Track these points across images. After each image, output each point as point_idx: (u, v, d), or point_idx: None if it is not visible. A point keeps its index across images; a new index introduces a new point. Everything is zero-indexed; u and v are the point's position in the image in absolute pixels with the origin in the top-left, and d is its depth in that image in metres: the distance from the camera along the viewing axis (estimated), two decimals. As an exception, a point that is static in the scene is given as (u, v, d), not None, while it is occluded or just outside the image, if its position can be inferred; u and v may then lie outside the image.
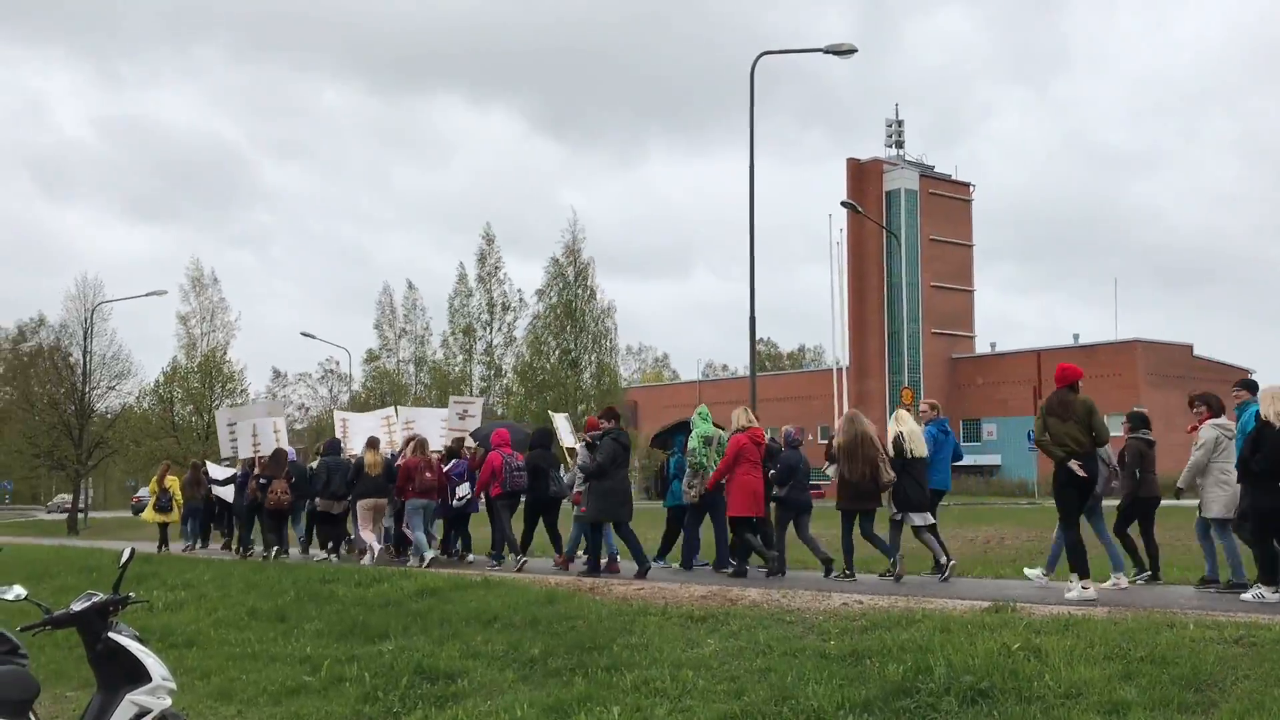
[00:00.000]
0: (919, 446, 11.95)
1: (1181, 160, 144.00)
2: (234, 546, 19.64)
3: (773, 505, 13.00)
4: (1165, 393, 58.91)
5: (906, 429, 12.00)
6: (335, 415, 23.02)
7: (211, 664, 10.03)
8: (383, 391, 67.33)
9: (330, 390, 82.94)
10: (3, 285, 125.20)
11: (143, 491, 22.05)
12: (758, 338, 25.27)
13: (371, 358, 69.88)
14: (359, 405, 66.46)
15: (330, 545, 17.01)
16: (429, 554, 15.03)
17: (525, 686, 8.13)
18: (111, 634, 5.35)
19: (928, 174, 74.55)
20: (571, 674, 8.18)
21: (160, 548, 21.13)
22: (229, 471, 20.65)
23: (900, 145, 75.87)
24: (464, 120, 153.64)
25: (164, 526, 21.62)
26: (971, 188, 77.52)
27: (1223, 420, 10.44)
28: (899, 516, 12.06)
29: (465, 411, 18.86)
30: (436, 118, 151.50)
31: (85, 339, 49.37)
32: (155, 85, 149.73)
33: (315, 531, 18.02)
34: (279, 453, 18.04)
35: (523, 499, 14.90)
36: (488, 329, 62.52)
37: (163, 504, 21.53)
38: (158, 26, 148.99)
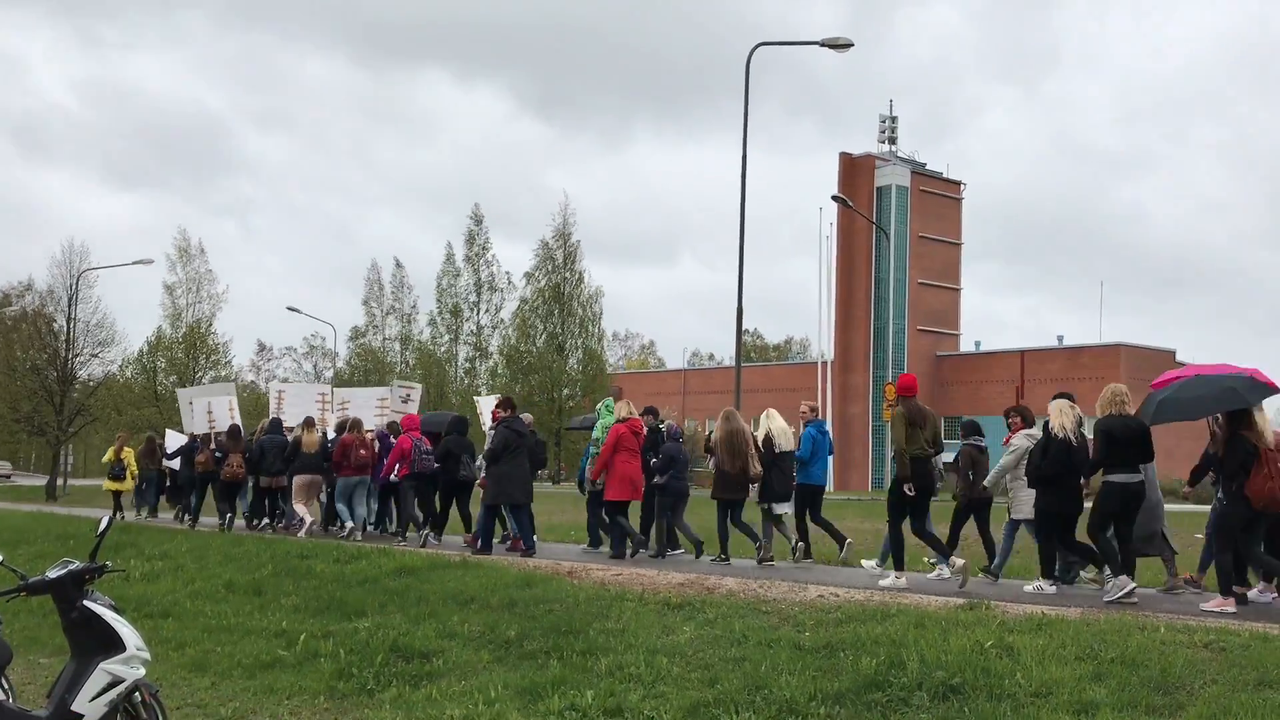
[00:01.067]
0: (786, 442, 12.85)
1: (1168, 164, 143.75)
2: (182, 516, 20.28)
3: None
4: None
5: (775, 426, 12.85)
6: (271, 387, 23.64)
7: (187, 635, 10.03)
8: (367, 369, 67.16)
9: (315, 366, 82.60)
10: None
11: (174, 439, 22.54)
12: (744, 328, 25.27)
13: (357, 335, 69.73)
14: (342, 382, 66.28)
15: (266, 519, 18.18)
16: (350, 525, 15.92)
17: (500, 668, 8.15)
18: (87, 602, 5.34)
19: (919, 171, 74.57)
20: (547, 657, 8.20)
21: (115, 514, 20.96)
22: (182, 440, 21.44)
23: (893, 141, 75.89)
24: (450, 97, 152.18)
25: (118, 494, 22.32)
26: (962, 186, 77.60)
27: (1034, 430, 10.99)
28: (765, 506, 12.94)
29: (408, 396, 19.88)
30: (422, 93, 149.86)
31: (70, 305, 49.07)
32: (137, 49, 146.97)
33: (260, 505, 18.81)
34: (234, 428, 18.83)
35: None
36: (475, 310, 62.47)
37: (116, 473, 22.40)
38: None
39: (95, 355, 52.50)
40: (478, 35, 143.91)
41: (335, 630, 9.53)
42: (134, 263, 45.84)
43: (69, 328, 49.47)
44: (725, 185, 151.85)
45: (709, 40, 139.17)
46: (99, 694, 5.22)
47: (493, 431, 14.32)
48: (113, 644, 5.32)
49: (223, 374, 58.51)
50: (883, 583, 10.51)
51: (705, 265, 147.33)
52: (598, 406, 13.98)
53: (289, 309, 55.76)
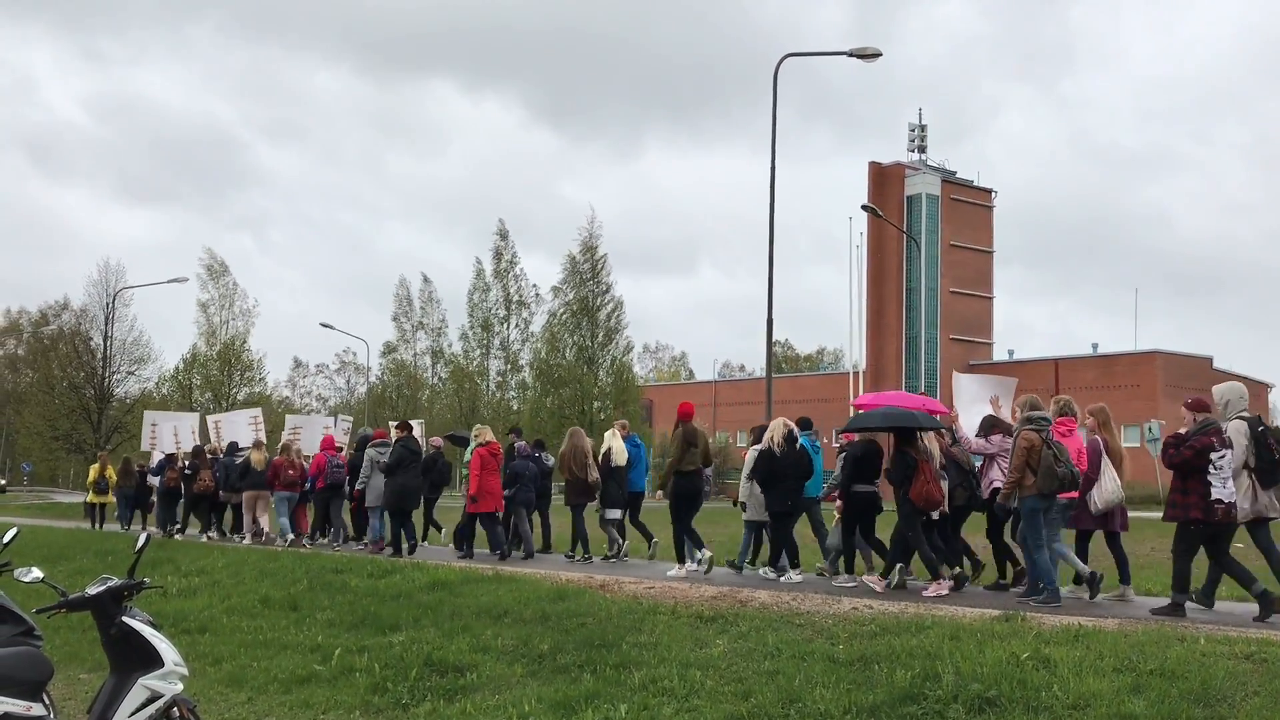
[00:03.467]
0: (620, 458, 14.79)
1: (1192, 164, 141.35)
2: (167, 527, 22.04)
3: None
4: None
5: (614, 445, 14.87)
6: (209, 419, 27.28)
7: (223, 650, 10.11)
8: (399, 384, 67.55)
9: (348, 381, 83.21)
10: (3, 266, 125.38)
11: (158, 457, 24.56)
12: (774, 339, 25.22)
13: (389, 350, 70.14)
14: (376, 397, 66.71)
15: (222, 527, 20.61)
16: (289, 537, 18.08)
17: (534, 682, 8.16)
18: (125, 618, 5.40)
19: (950, 179, 74.26)
20: (580, 671, 8.20)
21: (94, 525, 25.40)
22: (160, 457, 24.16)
23: (923, 150, 75.58)
24: (459, 107, 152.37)
25: (101, 506, 25.60)
26: (993, 194, 77.21)
27: (761, 444, 12.64)
28: (600, 510, 15.08)
29: (349, 428, 24.45)
30: (431, 104, 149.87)
31: (106, 324, 49.66)
32: (142, 64, 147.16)
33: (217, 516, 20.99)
34: (198, 448, 21.78)
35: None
36: (504, 324, 62.72)
37: (101, 488, 25.49)
38: (143, 2, 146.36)
39: (131, 373, 53.19)
40: (483, 46, 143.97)
41: (370, 645, 9.57)
42: (169, 281, 46.41)
43: (106, 346, 50.07)
44: (740, 192, 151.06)
45: (717, 45, 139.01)
46: (138, 709, 5.27)
47: (373, 449, 16.90)
48: (151, 659, 5.37)
49: (257, 390, 59.07)
50: (670, 573, 12.59)
51: (725, 274, 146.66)
52: (471, 434, 15.97)
53: (322, 325, 56.34)
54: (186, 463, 21.23)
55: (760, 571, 12.66)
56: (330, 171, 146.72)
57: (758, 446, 12.60)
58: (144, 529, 20.54)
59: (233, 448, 20.86)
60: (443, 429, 36.08)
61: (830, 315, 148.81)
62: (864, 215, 49.80)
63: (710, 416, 74.17)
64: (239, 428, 23.68)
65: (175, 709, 5.50)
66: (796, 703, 6.93)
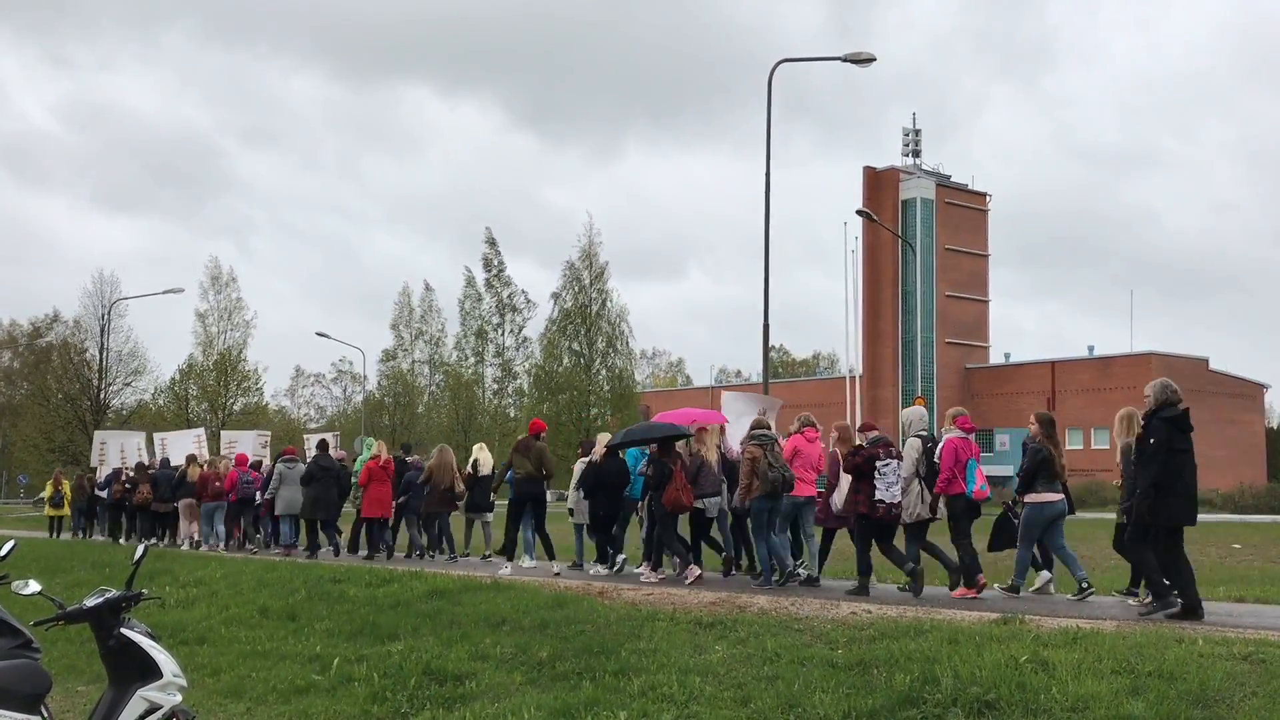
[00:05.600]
0: (485, 469, 16.76)
1: (1177, 162, 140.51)
2: (116, 536, 24.35)
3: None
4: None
5: (482, 457, 16.93)
6: (155, 437, 29.59)
7: (222, 661, 10.10)
8: (397, 392, 67.47)
9: (345, 390, 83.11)
10: None
11: (105, 473, 27.15)
12: (770, 344, 25.24)
13: (388, 357, 70.03)
14: (374, 406, 66.63)
15: (160, 535, 22.45)
16: (220, 543, 20.12)
17: (533, 689, 8.16)
18: (124, 630, 5.40)
19: (944, 183, 74.41)
20: (579, 678, 8.20)
21: (52, 534, 27.01)
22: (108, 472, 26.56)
23: (917, 155, 75.72)
24: (438, 111, 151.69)
25: (58, 519, 27.59)
26: (988, 198, 77.37)
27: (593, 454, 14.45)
28: (469, 515, 17.14)
29: (265, 441, 27.09)
30: (409, 108, 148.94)
31: (102, 335, 49.59)
32: (112, 70, 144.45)
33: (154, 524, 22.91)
34: (140, 464, 24.39)
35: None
36: (498, 330, 62.73)
37: (56, 502, 27.65)
38: (111, 7, 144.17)
39: (128, 384, 53.13)
40: (464, 48, 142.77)
41: (369, 654, 9.56)
42: (165, 291, 46.38)
43: (101, 357, 50.00)
44: (724, 194, 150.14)
45: (694, 44, 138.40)
46: (137, 721, 5.27)
47: (280, 462, 19.08)
48: (150, 671, 5.37)
49: (254, 400, 58.99)
50: (501, 571, 14.22)
51: (713, 278, 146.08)
52: (362, 444, 18.28)
53: (319, 334, 56.21)
54: (127, 477, 23.64)
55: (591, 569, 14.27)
56: (309, 178, 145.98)
57: (584, 459, 14.45)
58: (94, 537, 24.19)
59: (165, 463, 23.38)
60: (441, 438, 36.27)
61: (822, 319, 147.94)
62: (858, 220, 49.72)
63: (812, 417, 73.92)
64: (185, 444, 25.87)
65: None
66: (796, 708, 6.93)
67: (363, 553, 17.78)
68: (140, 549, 5.95)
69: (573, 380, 54.20)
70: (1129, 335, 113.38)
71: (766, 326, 23.70)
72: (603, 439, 14.25)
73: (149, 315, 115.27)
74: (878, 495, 11.19)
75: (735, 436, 13.74)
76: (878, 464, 11.19)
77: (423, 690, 8.37)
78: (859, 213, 43.05)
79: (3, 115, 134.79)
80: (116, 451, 27.63)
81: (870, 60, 24.45)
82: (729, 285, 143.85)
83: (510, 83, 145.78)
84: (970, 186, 76.62)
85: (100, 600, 5.41)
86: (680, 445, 13.29)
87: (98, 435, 31.43)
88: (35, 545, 22.15)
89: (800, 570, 12.54)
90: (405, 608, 11.34)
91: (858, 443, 11.78)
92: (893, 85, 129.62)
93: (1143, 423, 9.55)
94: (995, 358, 76.87)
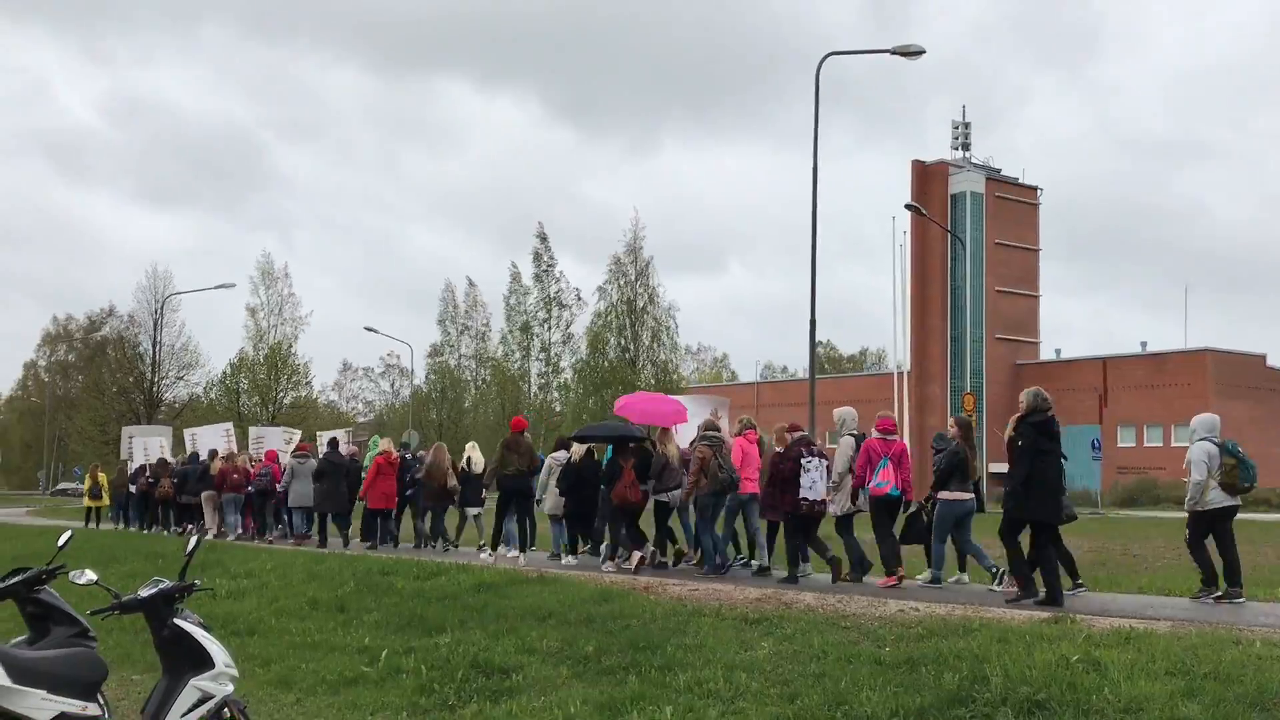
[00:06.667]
0: (478, 467, 17.41)
1: (1227, 153, 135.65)
2: (142, 527, 26.33)
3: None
4: (1236, 404, 57.41)
5: (474, 455, 17.65)
6: (186, 432, 31.76)
7: (272, 652, 10.20)
8: (444, 386, 67.88)
9: (393, 385, 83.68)
10: (33, 269, 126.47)
11: (132, 467, 28.64)
12: (816, 340, 25.09)
13: (435, 353, 70.45)
14: (421, 400, 67.14)
15: (187, 525, 23.55)
16: (234, 534, 21.34)
17: (579, 683, 8.17)
18: (177, 620, 5.47)
19: (994, 177, 73.53)
20: (625, 672, 8.21)
21: (87, 524, 27.76)
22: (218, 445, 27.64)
23: (966, 148, 74.86)
24: (475, 105, 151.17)
25: (95, 510, 28.94)
26: (1039, 191, 76.37)
27: (559, 454, 15.74)
28: (462, 509, 17.94)
29: (291, 438, 28.08)
30: (446, 102, 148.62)
31: (155, 330, 50.35)
32: (151, 65, 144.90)
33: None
34: (161, 460, 26.55)
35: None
36: (544, 326, 62.85)
37: (94, 493, 29.22)
38: (148, 1, 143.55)
39: (180, 378, 53.92)
40: (501, 42, 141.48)
41: (417, 646, 9.62)
42: (217, 287, 47.03)
43: (155, 352, 50.78)
44: (763, 187, 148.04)
45: (730, 34, 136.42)
46: (190, 710, 5.34)
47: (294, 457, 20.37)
48: (202, 661, 5.44)
49: (303, 394, 59.61)
50: (483, 556, 15.53)
51: (754, 272, 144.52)
52: (369, 441, 19.42)
53: (367, 329, 56.68)
54: (150, 472, 25.62)
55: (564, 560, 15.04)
56: (348, 172, 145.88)
57: (559, 457, 15.43)
58: (129, 527, 26.26)
59: (194, 458, 24.67)
60: (487, 432, 36.55)
61: (865, 314, 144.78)
62: (906, 214, 49.34)
63: (754, 418, 73.72)
64: (214, 439, 27.75)
65: (226, 710, 5.56)
66: (843, 705, 6.89)
67: (367, 543, 18.71)
68: (193, 541, 6.03)
69: (618, 375, 54.25)
70: (1182, 331, 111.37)
71: (813, 322, 23.58)
72: (579, 449, 15.15)
73: (198, 310, 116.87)
74: (802, 493, 11.91)
75: (685, 437, 14.50)
76: (803, 462, 11.93)
77: (470, 683, 8.41)
78: (908, 207, 42.74)
79: (47, 111, 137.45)
80: (140, 448, 29.69)
81: (919, 53, 24.25)
82: (771, 280, 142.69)
83: (546, 76, 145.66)
84: (1020, 180, 75.65)
85: (155, 590, 5.48)
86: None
87: (125, 431, 33.72)
88: (90, 536, 22.57)
89: (753, 562, 13.71)
90: (452, 600, 11.41)
91: (785, 443, 12.55)
92: (932, 75, 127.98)
93: (1014, 428, 10.25)
94: (1045, 354, 75.88)
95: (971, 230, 70.17)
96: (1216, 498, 10.47)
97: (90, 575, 5.63)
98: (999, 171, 74.45)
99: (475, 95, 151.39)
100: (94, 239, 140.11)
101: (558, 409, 60.88)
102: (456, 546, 18.01)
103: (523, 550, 15.88)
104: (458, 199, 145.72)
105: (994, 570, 11.34)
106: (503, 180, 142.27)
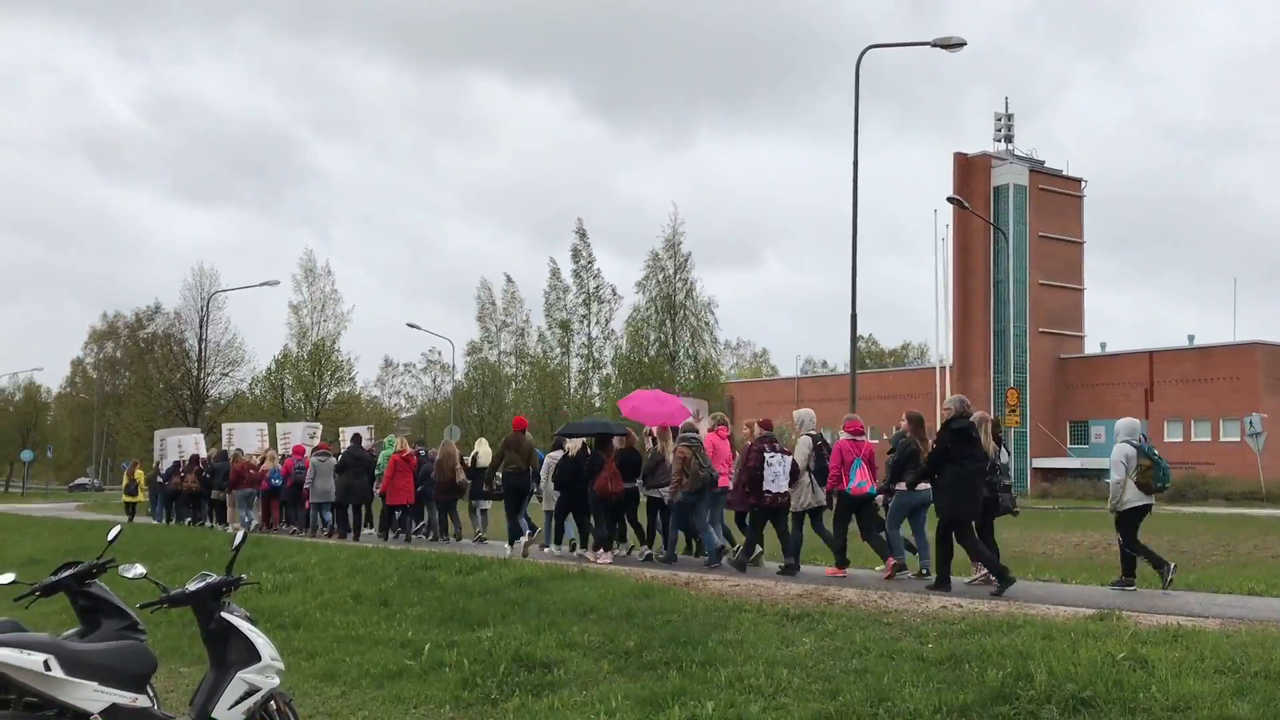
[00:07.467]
0: (485, 461, 18.06)
1: (1273, 141, 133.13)
2: (168, 520, 27.58)
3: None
4: (1286, 397, 56.51)
5: (481, 450, 18.70)
6: (223, 426, 33.92)
7: (317, 645, 10.31)
8: (484, 382, 68.17)
9: (434, 380, 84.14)
10: (77, 266, 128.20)
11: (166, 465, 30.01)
12: (857, 334, 24.96)
13: (474, 350, 70.76)
14: (463, 396, 67.52)
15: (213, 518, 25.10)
16: (245, 530, 20.62)
17: (620, 678, 8.19)
18: (224, 614, 5.54)
19: (1037, 169, 72.73)
20: (666, 667, 8.22)
21: (129, 519, 28.38)
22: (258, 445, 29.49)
23: (1009, 140, 74.12)
24: (508, 100, 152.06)
25: (133, 505, 30.29)
26: (1083, 183, 75.45)
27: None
28: (472, 503, 19.00)
29: (315, 433, 30.57)
30: (479, 97, 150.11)
31: (201, 327, 50.97)
32: (186, 63, 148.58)
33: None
34: (194, 456, 28.10)
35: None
36: (584, 322, 62.92)
37: (131, 489, 30.93)
38: (183, 1, 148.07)
39: (226, 374, 54.56)
40: (526, 37, 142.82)
41: (459, 640, 9.69)
42: (261, 284, 47.54)
43: (200, 348, 51.39)
44: (799, 180, 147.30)
45: (762, 28, 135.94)
46: (237, 702, 5.41)
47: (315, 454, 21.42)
48: (249, 654, 5.51)
49: (346, 390, 60.09)
50: (508, 548, 15.74)
51: (791, 266, 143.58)
52: (384, 441, 20.41)
53: (409, 325, 56.95)
54: (182, 469, 27.02)
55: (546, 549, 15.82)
56: (383, 168, 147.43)
57: (556, 454, 15.97)
58: (168, 522, 27.19)
59: (223, 455, 25.33)
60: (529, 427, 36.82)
61: (904, 307, 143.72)
62: (948, 207, 48.86)
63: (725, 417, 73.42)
64: (249, 436, 29.77)
65: (272, 702, 5.63)
66: (885, 701, 6.86)
67: (380, 535, 19.61)
68: (239, 536, 6.11)
69: (658, 370, 54.27)
70: (1230, 324, 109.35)
71: (854, 318, 23.46)
72: (575, 443, 15.70)
73: (240, 306, 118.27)
74: (765, 486, 12.52)
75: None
76: (766, 457, 12.52)
77: (512, 677, 8.46)
78: (950, 200, 42.39)
79: (85, 109, 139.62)
80: (174, 446, 31.19)
81: (960, 45, 24.03)
82: (809, 273, 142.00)
83: (579, 70, 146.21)
84: (1065, 173, 74.78)
85: (202, 584, 5.56)
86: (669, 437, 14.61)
87: (157, 434, 35.54)
88: (139, 530, 22.92)
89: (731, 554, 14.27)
90: (494, 595, 11.47)
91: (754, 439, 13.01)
92: (969, 65, 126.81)
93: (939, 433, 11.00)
94: (1090, 347, 75.02)
95: (1014, 223, 69.45)
96: (1133, 496, 11.04)
97: (140, 569, 5.71)
98: (1043, 164, 73.64)
99: (508, 90, 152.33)
100: (136, 236, 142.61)
101: (598, 404, 60.95)
102: (459, 537, 18.84)
103: (510, 544, 16.04)
104: (492, 194, 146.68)
105: (924, 570, 12.19)
106: (536, 175, 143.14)
